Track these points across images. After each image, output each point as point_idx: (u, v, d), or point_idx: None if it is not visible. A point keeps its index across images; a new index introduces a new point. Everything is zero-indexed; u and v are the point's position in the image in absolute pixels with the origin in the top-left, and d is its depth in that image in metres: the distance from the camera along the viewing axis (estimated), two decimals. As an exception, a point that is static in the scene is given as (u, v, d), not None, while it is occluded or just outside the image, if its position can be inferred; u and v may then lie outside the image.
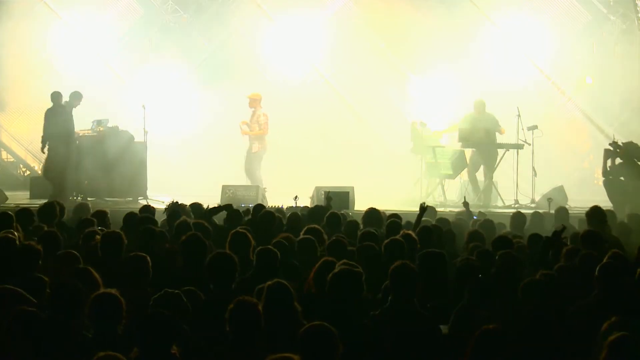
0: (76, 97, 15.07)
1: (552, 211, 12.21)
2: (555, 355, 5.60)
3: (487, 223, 10.07)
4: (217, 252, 6.62)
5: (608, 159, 13.97)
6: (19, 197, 15.29)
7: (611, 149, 13.99)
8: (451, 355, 5.52)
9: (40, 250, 6.88)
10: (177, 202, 10.53)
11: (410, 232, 8.22)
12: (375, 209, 10.00)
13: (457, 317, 5.91)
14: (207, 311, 5.87)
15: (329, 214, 9.64)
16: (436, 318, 5.95)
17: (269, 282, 5.78)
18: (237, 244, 7.51)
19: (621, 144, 13.97)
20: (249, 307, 5.29)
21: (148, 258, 6.66)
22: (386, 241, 7.59)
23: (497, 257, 7.15)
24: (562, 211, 11.46)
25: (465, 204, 11.89)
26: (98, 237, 7.77)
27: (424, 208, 9.56)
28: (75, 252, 7.06)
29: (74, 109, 14.98)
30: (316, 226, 8.45)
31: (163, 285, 6.00)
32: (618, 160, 14.01)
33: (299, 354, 4.64)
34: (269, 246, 7.17)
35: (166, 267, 7.30)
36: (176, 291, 5.68)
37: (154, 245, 7.89)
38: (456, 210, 13.81)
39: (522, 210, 12.30)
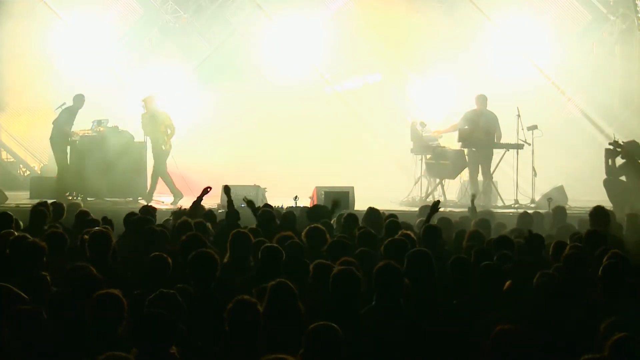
0: (79, 99, 15.14)
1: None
2: (556, 355, 5.60)
3: (483, 222, 10.06)
4: (198, 251, 6.59)
5: (609, 158, 13.96)
6: (19, 197, 15.29)
7: (611, 148, 13.98)
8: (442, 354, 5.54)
9: (45, 247, 6.91)
10: (184, 209, 10.56)
11: (409, 232, 8.20)
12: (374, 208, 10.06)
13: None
14: (194, 309, 5.90)
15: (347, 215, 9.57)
16: (422, 316, 5.96)
17: (273, 282, 5.78)
18: (238, 244, 7.50)
19: (622, 143, 13.96)
20: (248, 307, 5.28)
21: (169, 259, 6.66)
22: (386, 241, 7.56)
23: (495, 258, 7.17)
24: (560, 210, 11.43)
25: (473, 196, 11.89)
26: (86, 236, 7.76)
27: (436, 207, 9.53)
28: None
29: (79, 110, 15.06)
30: (319, 226, 8.42)
31: (162, 285, 6.00)
32: (619, 160, 13.99)
33: (303, 352, 4.65)
34: (275, 244, 7.14)
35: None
36: (172, 291, 5.69)
37: (155, 246, 7.88)
38: (457, 210, 13.82)
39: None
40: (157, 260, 6.68)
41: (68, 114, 14.98)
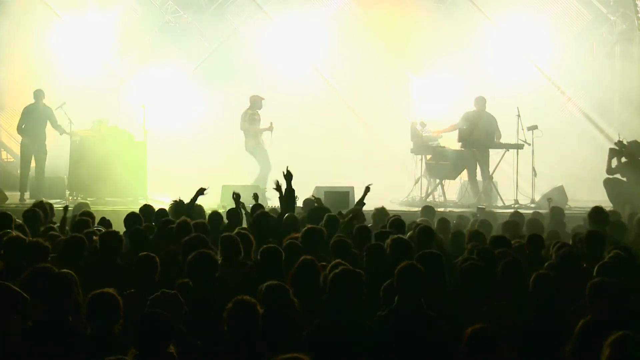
0: (35, 95, 15.37)
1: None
2: (555, 353, 5.62)
3: (483, 224, 10.08)
4: (198, 252, 6.58)
5: (613, 157, 13.96)
6: (19, 197, 15.28)
7: (616, 147, 13.99)
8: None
9: (48, 247, 6.94)
10: (181, 201, 10.54)
11: (401, 236, 8.15)
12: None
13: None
14: (193, 309, 5.90)
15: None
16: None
17: (266, 283, 5.79)
18: (239, 244, 7.50)
19: (626, 143, 13.97)
20: (247, 307, 5.28)
21: (157, 258, 6.67)
22: (392, 238, 7.50)
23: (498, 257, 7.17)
24: (557, 211, 11.43)
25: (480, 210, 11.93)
26: (96, 237, 7.77)
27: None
28: None
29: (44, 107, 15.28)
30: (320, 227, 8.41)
31: (164, 285, 6.00)
32: (623, 160, 13.99)
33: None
34: (275, 245, 7.13)
35: (170, 267, 7.29)
36: (172, 291, 5.68)
37: (156, 246, 7.89)
38: (457, 210, 13.82)
39: (522, 211, 12.31)
40: (144, 260, 6.67)
41: (26, 115, 15.11)
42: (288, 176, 10.23)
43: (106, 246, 7.49)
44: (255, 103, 16.26)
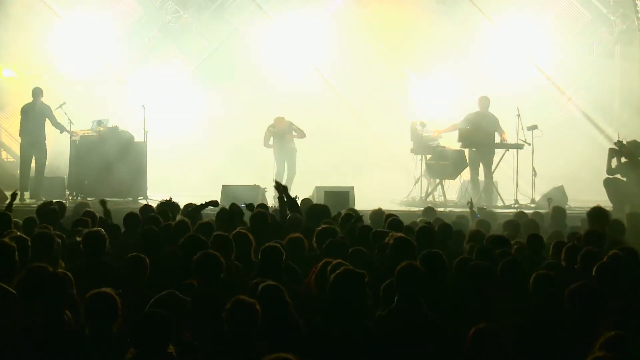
0: (34, 93, 15.40)
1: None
2: (555, 352, 5.62)
3: (483, 223, 10.07)
4: (204, 252, 6.57)
5: (613, 157, 13.96)
6: (19, 197, 15.26)
7: (616, 147, 13.99)
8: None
9: (14, 247, 6.85)
10: (170, 200, 10.56)
11: (401, 234, 8.13)
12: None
13: None
14: (196, 309, 5.90)
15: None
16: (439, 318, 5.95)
17: (263, 283, 5.80)
18: (238, 244, 7.50)
19: (626, 143, 13.98)
20: (246, 307, 5.29)
21: (147, 259, 6.67)
22: (395, 237, 7.49)
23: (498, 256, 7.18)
24: (559, 211, 11.42)
25: (470, 204, 11.91)
26: (79, 237, 7.73)
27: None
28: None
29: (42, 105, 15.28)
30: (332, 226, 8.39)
31: (165, 286, 6.00)
32: (623, 160, 13.99)
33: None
34: (276, 244, 7.13)
35: (169, 267, 7.29)
36: (172, 291, 5.69)
37: (157, 246, 7.89)
38: (457, 210, 13.82)
39: (523, 211, 12.31)
40: (133, 260, 6.68)
41: (24, 115, 15.21)
42: (284, 190, 10.22)
43: (90, 246, 7.39)
44: (281, 125, 16.47)
